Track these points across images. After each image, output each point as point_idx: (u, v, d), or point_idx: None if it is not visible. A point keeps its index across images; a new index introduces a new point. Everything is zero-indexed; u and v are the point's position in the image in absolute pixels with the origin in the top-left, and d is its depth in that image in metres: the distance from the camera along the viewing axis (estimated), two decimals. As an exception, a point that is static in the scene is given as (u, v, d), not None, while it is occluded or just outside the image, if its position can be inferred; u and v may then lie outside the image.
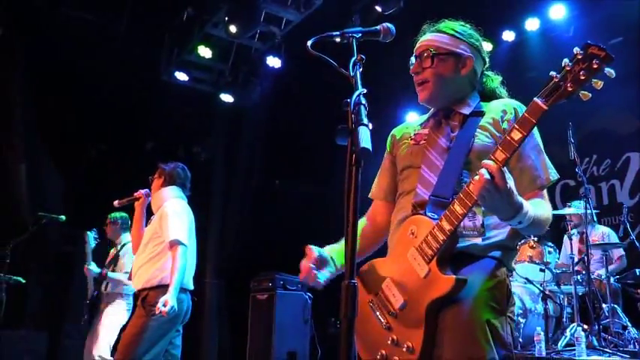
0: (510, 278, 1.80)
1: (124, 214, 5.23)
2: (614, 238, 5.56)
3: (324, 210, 7.45)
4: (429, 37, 1.93)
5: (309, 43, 1.60)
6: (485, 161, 1.53)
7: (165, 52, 7.95)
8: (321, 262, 1.82)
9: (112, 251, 5.29)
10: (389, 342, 1.69)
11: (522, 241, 5.39)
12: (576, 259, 5.05)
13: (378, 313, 1.75)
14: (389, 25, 1.71)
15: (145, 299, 3.58)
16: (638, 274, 5.25)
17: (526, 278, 5.18)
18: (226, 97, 8.13)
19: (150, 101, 7.93)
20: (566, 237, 5.31)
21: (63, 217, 5.38)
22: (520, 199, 1.58)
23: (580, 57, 1.46)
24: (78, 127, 7.61)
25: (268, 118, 8.44)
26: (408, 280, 1.69)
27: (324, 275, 1.80)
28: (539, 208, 1.69)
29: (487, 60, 1.99)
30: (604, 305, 4.90)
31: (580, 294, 4.92)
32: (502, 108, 1.86)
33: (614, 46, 5.96)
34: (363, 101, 1.42)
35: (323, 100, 4.73)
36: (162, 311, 3.34)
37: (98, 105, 7.37)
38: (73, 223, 5.67)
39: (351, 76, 1.51)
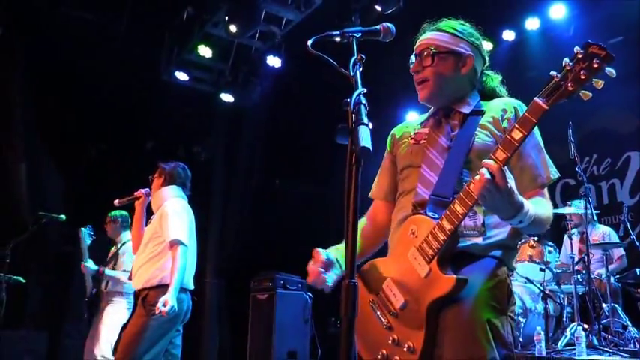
0: (511, 277, 1.80)
1: (124, 213, 5.22)
2: (614, 238, 5.57)
3: (324, 210, 7.46)
4: (429, 36, 1.92)
5: (309, 42, 1.60)
6: (486, 161, 1.52)
7: (166, 52, 7.95)
8: (328, 265, 1.81)
9: (113, 249, 5.30)
10: (390, 342, 1.69)
11: (522, 241, 5.38)
12: (576, 259, 5.04)
13: (378, 313, 1.75)
14: (389, 24, 1.70)
15: (145, 299, 3.58)
16: (638, 273, 5.25)
17: (526, 277, 5.18)
18: (226, 97, 8.12)
19: (150, 101, 7.93)
20: (566, 236, 5.30)
21: (63, 216, 5.38)
22: (520, 198, 1.58)
23: (580, 56, 1.46)
24: (78, 127, 7.61)
25: (268, 118, 8.44)
26: (408, 279, 1.69)
27: (331, 277, 1.80)
28: (539, 207, 1.69)
29: (487, 59, 1.99)
30: (604, 305, 4.90)
31: (580, 293, 4.92)
32: (502, 107, 1.86)
33: (614, 46, 5.95)
34: (363, 101, 1.42)
35: (323, 100, 4.73)
36: (162, 311, 3.34)
37: (98, 105, 7.37)
38: (73, 222, 5.65)
39: (351, 75, 1.51)
